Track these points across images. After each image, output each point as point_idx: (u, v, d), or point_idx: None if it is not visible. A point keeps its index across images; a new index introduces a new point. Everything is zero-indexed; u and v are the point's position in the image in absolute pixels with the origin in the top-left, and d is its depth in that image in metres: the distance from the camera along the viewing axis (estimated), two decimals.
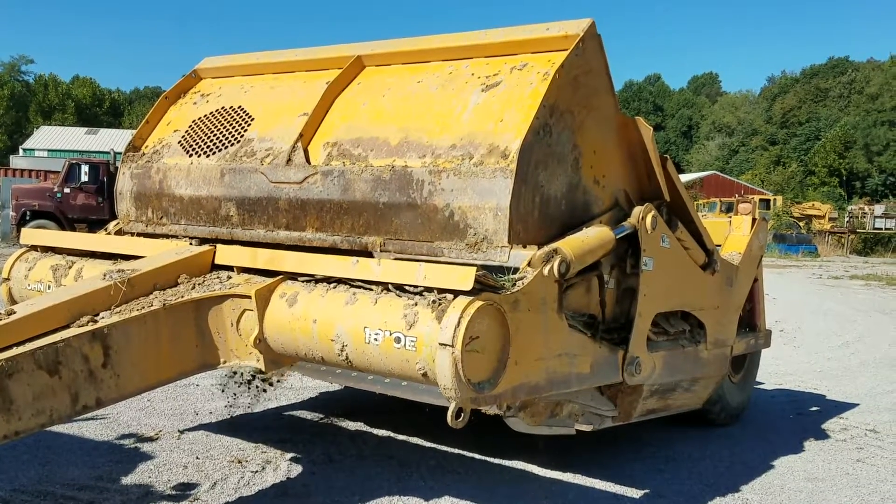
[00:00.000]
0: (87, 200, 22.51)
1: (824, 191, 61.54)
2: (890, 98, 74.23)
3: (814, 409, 7.11)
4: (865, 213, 45.71)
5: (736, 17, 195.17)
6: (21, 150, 57.97)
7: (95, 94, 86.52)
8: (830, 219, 45.57)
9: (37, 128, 66.52)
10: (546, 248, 3.64)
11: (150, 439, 5.18)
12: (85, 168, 22.71)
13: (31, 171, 33.80)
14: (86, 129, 64.72)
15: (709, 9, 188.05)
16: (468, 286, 3.19)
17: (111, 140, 51.23)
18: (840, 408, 7.15)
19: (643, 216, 4.19)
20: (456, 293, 3.24)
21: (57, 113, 78.69)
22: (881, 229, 44.34)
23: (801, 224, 43.97)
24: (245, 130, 4.71)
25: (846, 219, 45.96)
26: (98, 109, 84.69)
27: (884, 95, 75.38)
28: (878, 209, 45.73)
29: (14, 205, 22.59)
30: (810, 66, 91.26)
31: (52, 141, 59.12)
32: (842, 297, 18.51)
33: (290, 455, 4.97)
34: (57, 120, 74.50)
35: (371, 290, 3.51)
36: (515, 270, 3.58)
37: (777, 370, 8.73)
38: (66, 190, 22.42)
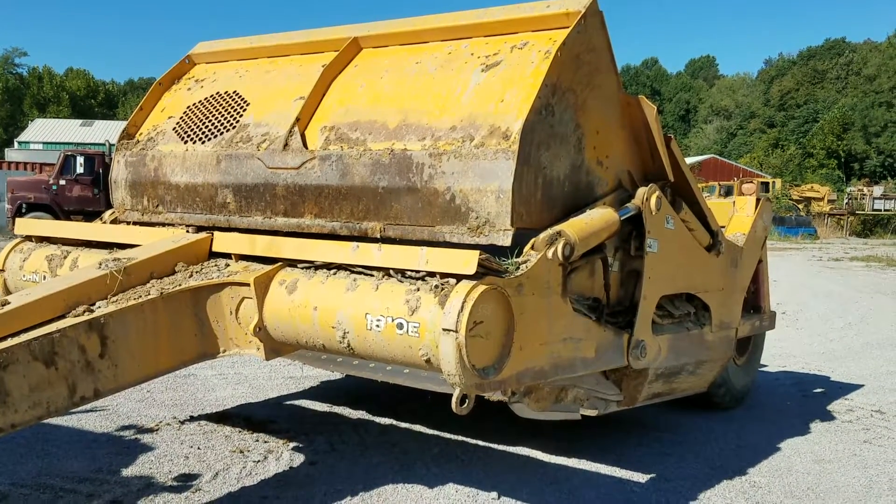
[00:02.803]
0: (82, 192, 22.44)
1: (823, 173, 61.55)
2: (888, 79, 74.14)
3: (818, 390, 7.07)
4: (864, 195, 45.68)
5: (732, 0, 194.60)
6: (16, 143, 57.72)
7: (89, 86, 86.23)
8: (829, 201, 45.51)
9: (31, 120, 66.21)
10: (549, 231, 3.58)
11: (151, 430, 5.12)
12: (80, 160, 22.64)
13: (26, 163, 33.68)
14: (81, 121, 64.43)
15: None
16: (471, 270, 3.13)
17: (106, 132, 51.02)
18: (845, 389, 7.10)
19: (647, 197, 4.12)
20: (459, 277, 3.18)
21: (51, 105, 78.40)
22: (880, 210, 44.32)
23: (800, 206, 43.93)
24: (241, 116, 4.63)
25: (845, 200, 45.92)
26: (92, 101, 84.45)
27: (881, 76, 75.28)
28: (877, 190, 45.72)
29: (10, 197, 22.51)
30: (807, 48, 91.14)
31: (47, 133, 58.87)
32: (842, 278, 18.47)
33: (292, 444, 4.92)
34: (51, 112, 74.25)
35: (372, 275, 3.44)
36: (519, 253, 3.51)
37: (780, 352, 8.69)
38: (62, 182, 22.37)
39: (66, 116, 70.80)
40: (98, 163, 22.54)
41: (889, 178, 62.00)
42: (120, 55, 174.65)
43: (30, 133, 60.09)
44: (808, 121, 74.57)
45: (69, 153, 23.29)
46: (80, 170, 22.44)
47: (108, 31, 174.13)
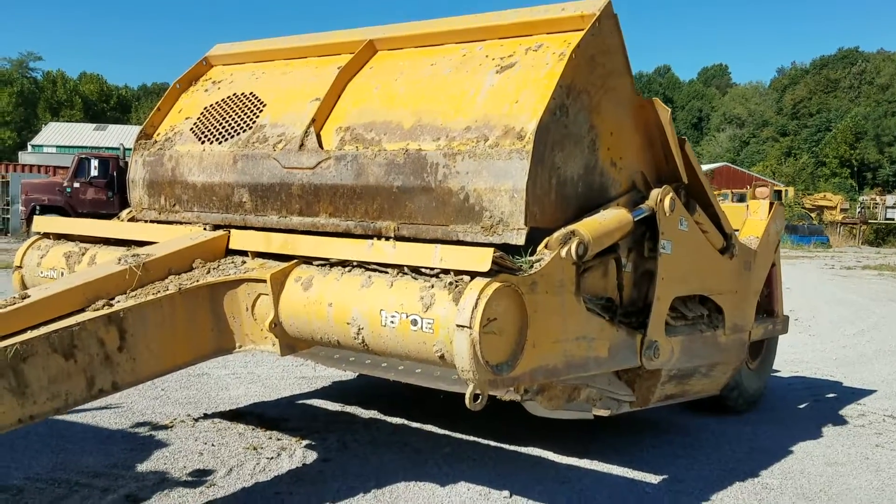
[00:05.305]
0: (96, 195, 22.57)
1: (835, 182, 61.29)
2: None
3: (831, 395, 7.06)
4: (877, 204, 45.44)
5: (746, 8, 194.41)
6: (30, 147, 58.14)
7: (103, 91, 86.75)
8: (842, 210, 45.31)
9: (45, 124, 66.65)
10: (563, 230, 3.60)
11: (165, 427, 5.16)
12: (95, 162, 22.77)
13: (39, 166, 33.93)
14: (94, 125, 64.82)
15: (718, 0, 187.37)
16: (485, 267, 3.15)
17: (120, 136, 51.27)
18: (857, 394, 7.09)
19: (661, 198, 4.14)
20: (473, 275, 3.21)
21: (65, 109, 78.89)
22: (893, 220, 44.08)
23: (813, 215, 43.75)
24: (257, 116, 4.68)
25: (858, 209, 45.69)
26: (105, 105, 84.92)
27: (894, 86, 74.99)
28: (890, 199, 45.46)
29: (23, 199, 22.68)
30: (820, 57, 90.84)
31: (60, 137, 59.26)
32: (855, 286, 18.39)
33: (305, 442, 4.95)
34: (65, 116, 74.70)
35: (387, 273, 3.48)
36: (532, 253, 3.53)
37: (793, 358, 8.67)
38: (76, 184, 22.49)
39: (80, 120, 71.21)
40: (112, 166, 22.68)
41: None
42: (133, 59, 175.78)
43: (43, 136, 60.50)
44: (821, 130, 74.30)
45: (84, 156, 23.42)
46: (94, 173, 22.56)
47: (121, 35, 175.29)
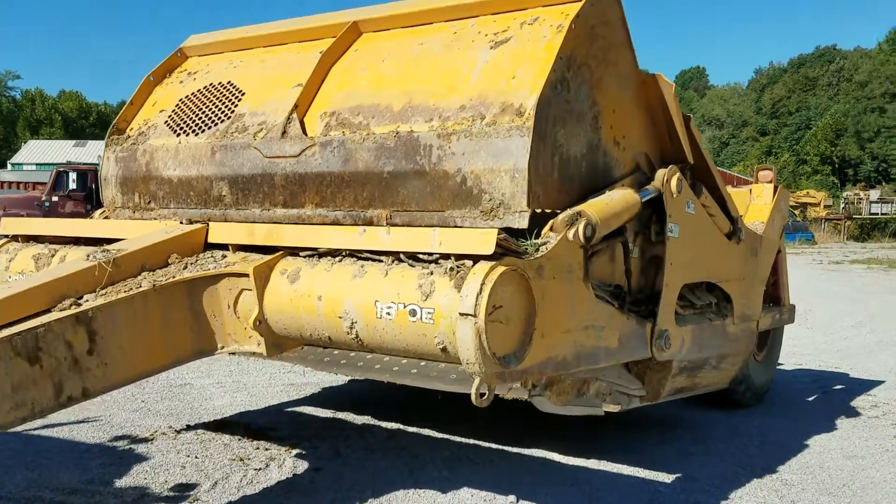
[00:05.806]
0: (75, 208, 22.18)
1: (817, 179, 61.62)
2: (879, 85, 74.37)
3: (839, 387, 6.85)
4: (861, 199, 45.69)
5: (721, 10, 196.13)
6: (9, 165, 57.40)
7: (82, 108, 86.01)
8: (826, 206, 45.52)
9: (25, 142, 65.89)
10: (569, 211, 3.35)
11: (146, 440, 4.86)
12: (73, 175, 22.47)
13: (19, 183, 33.44)
14: (74, 141, 64.11)
15: (694, 2, 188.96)
16: (489, 250, 2.90)
17: (100, 151, 50.42)
18: (866, 385, 6.88)
19: (668, 178, 3.89)
20: (475, 259, 2.94)
21: (44, 127, 78.16)
22: (877, 214, 44.33)
23: (797, 212, 43.86)
24: (236, 105, 4.42)
25: (841, 205, 45.92)
26: (85, 122, 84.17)
27: (872, 82, 75.53)
28: (874, 194, 45.74)
29: (1, 214, 22.22)
30: (798, 55, 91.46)
31: (40, 154, 58.58)
32: (846, 280, 18.30)
33: (294, 451, 4.66)
34: (44, 134, 73.97)
35: (381, 261, 3.21)
36: (536, 237, 3.28)
37: (794, 351, 8.45)
38: (55, 198, 22.14)
39: (60, 138, 70.46)
40: (91, 178, 22.34)
41: (884, 183, 62.05)
42: (112, 77, 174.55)
43: (23, 154, 59.80)
44: (801, 128, 74.67)
45: (61, 169, 23.12)
46: (72, 186, 22.28)
47: (100, 53, 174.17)
